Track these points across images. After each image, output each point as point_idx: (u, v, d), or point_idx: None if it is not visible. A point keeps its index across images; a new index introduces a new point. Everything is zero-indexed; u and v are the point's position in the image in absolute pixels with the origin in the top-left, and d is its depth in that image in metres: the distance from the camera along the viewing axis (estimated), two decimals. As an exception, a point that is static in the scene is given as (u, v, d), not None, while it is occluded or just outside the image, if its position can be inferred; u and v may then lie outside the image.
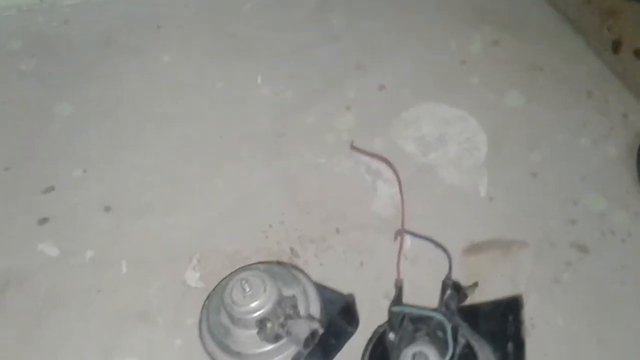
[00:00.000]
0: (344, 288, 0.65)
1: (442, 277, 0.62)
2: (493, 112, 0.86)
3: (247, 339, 0.57)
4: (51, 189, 0.79)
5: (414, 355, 0.53)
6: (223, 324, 0.58)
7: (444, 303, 0.58)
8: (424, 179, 0.78)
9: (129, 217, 0.76)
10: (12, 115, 0.87)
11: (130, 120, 0.86)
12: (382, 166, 0.79)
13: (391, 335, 0.57)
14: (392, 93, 0.89)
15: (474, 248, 0.71)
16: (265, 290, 0.56)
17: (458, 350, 0.57)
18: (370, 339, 0.61)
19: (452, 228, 0.73)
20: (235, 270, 0.62)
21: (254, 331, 0.56)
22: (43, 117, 0.87)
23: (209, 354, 0.59)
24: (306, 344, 0.54)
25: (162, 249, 0.73)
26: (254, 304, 0.55)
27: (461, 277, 0.66)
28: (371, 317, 0.63)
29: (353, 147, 0.80)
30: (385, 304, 0.61)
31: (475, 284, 0.61)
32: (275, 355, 0.57)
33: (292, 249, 0.73)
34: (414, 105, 0.86)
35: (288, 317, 0.56)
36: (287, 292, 0.59)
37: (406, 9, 1.02)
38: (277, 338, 0.56)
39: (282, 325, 0.55)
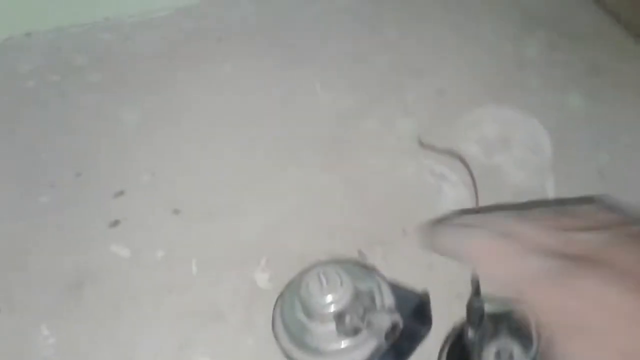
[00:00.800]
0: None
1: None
2: (555, 113, 0.85)
3: (325, 334, 0.55)
4: (121, 193, 0.81)
5: (498, 352, 0.52)
6: (299, 320, 0.56)
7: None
8: (488, 181, 0.78)
9: (198, 219, 0.77)
10: (80, 124, 0.90)
11: (195, 126, 0.88)
12: (447, 169, 0.79)
13: (471, 333, 0.56)
14: (451, 97, 0.89)
15: (545, 248, 0.70)
16: (342, 283, 0.54)
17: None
18: (447, 338, 0.60)
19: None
20: (307, 268, 0.62)
21: (332, 326, 0.55)
22: (110, 126, 0.89)
23: (284, 351, 0.58)
24: (387, 336, 0.53)
25: (231, 250, 0.74)
26: (331, 297, 0.54)
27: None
28: (443, 318, 0.63)
29: (421, 144, 0.80)
30: (458, 305, 0.60)
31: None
32: (354, 350, 0.55)
33: (359, 251, 0.73)
34: (474, 108, 0.86)
35: (367, 309, 0.55)
36: (363, 286, 0.58)
37: (457, 14, 1.03)
38: (356, 331, 0.55)
39: (362, 318, 0.54)
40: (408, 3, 1.07)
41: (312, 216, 0.77)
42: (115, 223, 0.77)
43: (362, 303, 0.55)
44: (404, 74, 0.93)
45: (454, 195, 0.76)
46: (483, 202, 0.73)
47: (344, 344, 0.55)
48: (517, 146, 0.81)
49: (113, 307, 0.70)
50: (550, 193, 0.76)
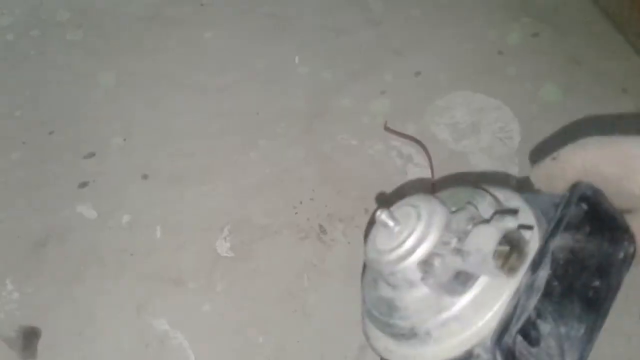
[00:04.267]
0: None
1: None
2: (528, 103, 0.86)
3: (418, 304, 0.31)
4: (92, 154, 0.82)
5: None
6: (382, 297, 0.34)
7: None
8: (454, 166, 0.79)
9: (166, 185, 0.78)
10: (57, 82, 0.90)
11: (171, 92, 0.88)
12: (413, 151, 0.80)
13: None
14: (428, 79, 0.89)
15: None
16: (419, 215, 0.32)
17: None
18: None
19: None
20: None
21: (420, 286, 0.31)
22: (87, 86, 0.90)
23: (375, 350, 0.36)
24: (505, 262, 0.28)
25: (196, 217, 0.75)
26: (408, 241, 0.31)
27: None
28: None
29: (386, 128, 0.81)
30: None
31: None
32: (469, 314, 0.29)
33: (320, 226, 0.74)
34: (449, 93, 0.87)
35: (462, 233, 0.31)
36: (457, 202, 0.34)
37: (446, -3, 1.02)
38: (458, 280, 0.30)
39: (457, 251, 0.30)
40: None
41: (279, 189, 0.78)
42: (84, 184, 0.79)
43: (458, 227, 0.31)
44: (384, 53, 0.93)
45: (419, 177, 0.78)
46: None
47: (450, 310, 0.30)
48: (486, 133, 0.82)
49: (76, 266, 0.71)
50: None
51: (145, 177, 0.79)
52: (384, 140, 0.82)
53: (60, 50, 0.94)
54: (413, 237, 0.31)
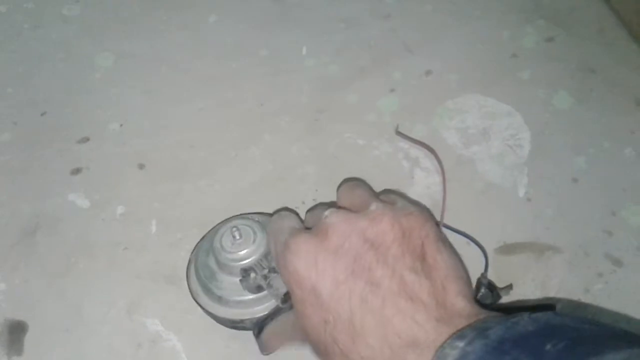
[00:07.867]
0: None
1: (476, 275, 0.61)
2: (540, 110, 0.83)
3: (230, 285, 0.57)
4: (86, 139, 0.78)
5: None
6: (210, 267, 0.59)
7: (477, 301, 0.57)
8: (462, 172, 0.77)
9: (163, 177, 0.75)
10: (52, 59, 0.86)
11: (170, 78, 0.84)
12: (421, 154, 0.78)
13: None
14: (438, 79, 0.86)
15: (507, 248, 0.70)
16: (254, 240, 0.56)
17: None
18: None
19: (487, 225, 0.72)
20: (230, 218, 0.64)
21: (238, 279, 0.56)
22: (83, 66, 0.86)
23: (191, 293, 0.61)
24: (284, 299, 0.54)
25: (193, 212, 0.72)
26: (241, 253, 0.56)
27: (491, 276, 0.65)
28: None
29: (398, 133, 0.78)
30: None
31: (510, 287, 0.60)
32: (255, 305, 0.58)
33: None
34: (460, 95, 0.84)
35: (272, 270, 0.55)
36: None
37: (460, -6, 0.99)
38: (258, 289, 0.56)
39: (265, 277, 0.55)
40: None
41: (281, 187, 0.75)
42: (77, 171, 0.75)
43: (270, 263, 0.56)
44: (394, 48, 0.90)
45: (426, 182, 0.75)
46: (452, 193, 0.72)
47: (246, 297, 0.57)
48: (496, 140, 0.80)
49: (66, 258, 0.68)
50: (521, 192, 0.75)
51: (141, 167, 0.76)
52: (391, 141, 0.79)
53: (56, 25, 0.90)
54: (245, 252, 0.56)
